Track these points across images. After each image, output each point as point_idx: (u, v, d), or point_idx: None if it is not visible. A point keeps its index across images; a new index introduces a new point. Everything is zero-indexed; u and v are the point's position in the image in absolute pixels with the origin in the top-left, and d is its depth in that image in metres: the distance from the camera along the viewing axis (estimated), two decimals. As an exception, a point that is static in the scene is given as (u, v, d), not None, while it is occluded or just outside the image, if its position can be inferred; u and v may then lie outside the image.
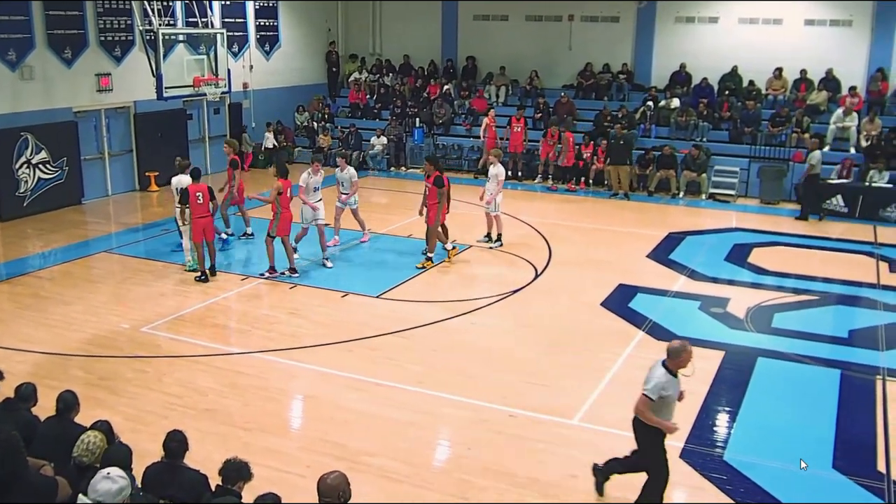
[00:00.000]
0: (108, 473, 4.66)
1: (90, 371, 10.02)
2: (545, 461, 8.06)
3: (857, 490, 7.59)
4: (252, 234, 15.85)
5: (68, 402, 6.38)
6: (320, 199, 14.14)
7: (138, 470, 5.86)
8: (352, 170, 15.23)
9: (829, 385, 9.85)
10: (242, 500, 5.52)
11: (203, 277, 13.37)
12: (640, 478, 7.00)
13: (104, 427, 5.96)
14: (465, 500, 7.37)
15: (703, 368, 10.15)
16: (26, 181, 17.53)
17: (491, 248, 15.37)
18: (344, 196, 15.11)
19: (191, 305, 12.41)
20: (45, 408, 6.59)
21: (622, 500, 7.37)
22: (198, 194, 13.05)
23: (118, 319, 11.78)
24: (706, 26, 23.07)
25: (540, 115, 23.26)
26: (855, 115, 20.22)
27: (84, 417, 6.42)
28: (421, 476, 7.81)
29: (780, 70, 22.06)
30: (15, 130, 17.22)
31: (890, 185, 18.35)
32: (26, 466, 5.05)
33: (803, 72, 21.83)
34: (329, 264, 14.06)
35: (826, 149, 20.08)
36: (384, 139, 23.40)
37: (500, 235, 15.55)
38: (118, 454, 5.39)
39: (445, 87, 25.02)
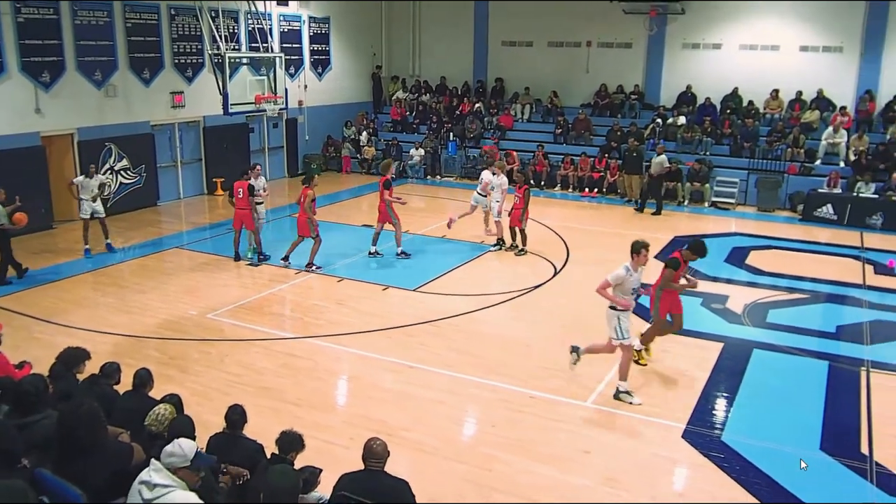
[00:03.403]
0: (179, 444, 4.72)
1: (163, 352, 10.15)
2: (562, 438, 8.03)
3: (842, 470, 7.47)
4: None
5: (143, 378, 6.48)
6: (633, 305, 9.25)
7: (203, 439, 5.92)
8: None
9: (818, 375, 9.71)
10: (295, 468, 5.56)
11: (237, 259, 14.15)
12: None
13: (174, 400, 6.02)
14: (489, 471, 7.37)
15: (704, 358, 10.11)
16: (110, 185, 17.79)
17: (505, 250, 15.15)
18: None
19: (251, 295, 12.52)
20: (123, 383, 6.70)
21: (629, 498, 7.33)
22: (239, 189, 13.65)
23: (187, 307, 11.92)
24: (710, 52, 22.83)
25: (560, 130, 23.19)
26: (844, 132, 19.98)
27: (156, 392, 6.49)
28: (450, 449, 7.81)
29: (776, 91, 21.81)
30: (100, 141, 17.50)
31: (875, 196, 18.06)
32: (106, 434, 5.12)
33: (798, 93, 21.58)
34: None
35: (818, 162, 19.92)
36: (422, 151, 23.45)
37: (500, 240, 15.29)
38: (182, 424, 5.45)
39: (476, 105, 25.01)
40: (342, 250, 14.77)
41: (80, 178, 14.59)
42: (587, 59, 24.53)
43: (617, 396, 8.89)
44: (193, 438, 5.44)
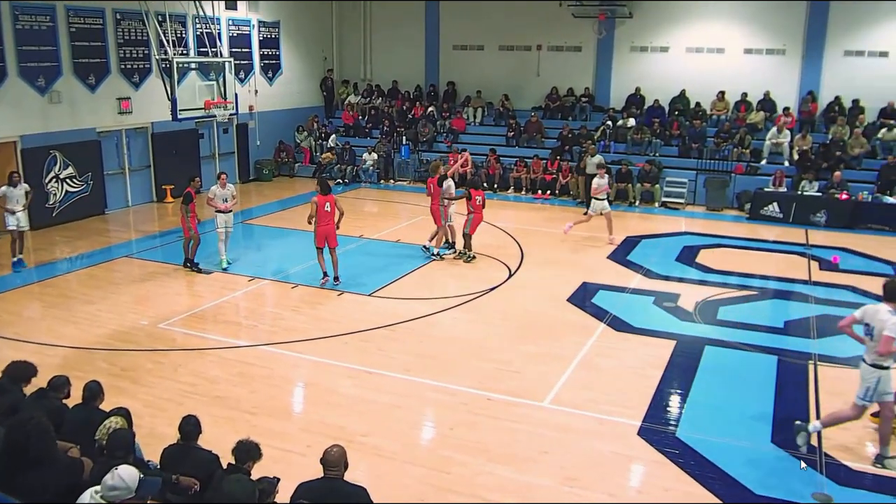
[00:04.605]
0: (119, 476, 4.49)
1: (113, 363, 9.93)
2: (519, 439, 8.06)
3: (793, 462, 7.65)
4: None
5: (93, 391, 6.34)
6: None
7: (157, 451, 5.82)
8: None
9: (768, 370, 9.92)
10: (252, 478, 5.49)
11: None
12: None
13: (122, 412, 5.91)
14: (447, 474, 7.37)
15: (657, 356, 10.24)
16: (55, 194, 17.38)
17: (450, 256, 15.00)
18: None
19: (203, 304, 12.33)
20: (73, 396, 6.53)
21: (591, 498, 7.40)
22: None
23: (138, 317, 11.69)
24: (658, 54, 23.21)
25: (512, 133, 23.35)
26: (788, 132, 20.48)
27: (108, 405, 6.35)
28: (408, 453, 7.80)
29: (722, 93, 22.27)
30: (44, 149, 17.06)
31: (819, 194, 18.52)
32: (56, 448, 5.00)
33: (743, 94, 22.06)
34: None
35: (763, 162, 20.39)
36: (375, 155, 23.38)
37: (453, 243, 15.26)
38: (119, 439, 5.31)
39: (429, 108, 25.04)
40: (296, 257, 14.64)
41: (4, 188, 13.79)
42: (538, 62, 24.74)
43: (881, 463, 7.55)
44: (133, 453, 5.30)
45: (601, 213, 16.27)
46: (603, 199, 16.23)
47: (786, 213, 18.48)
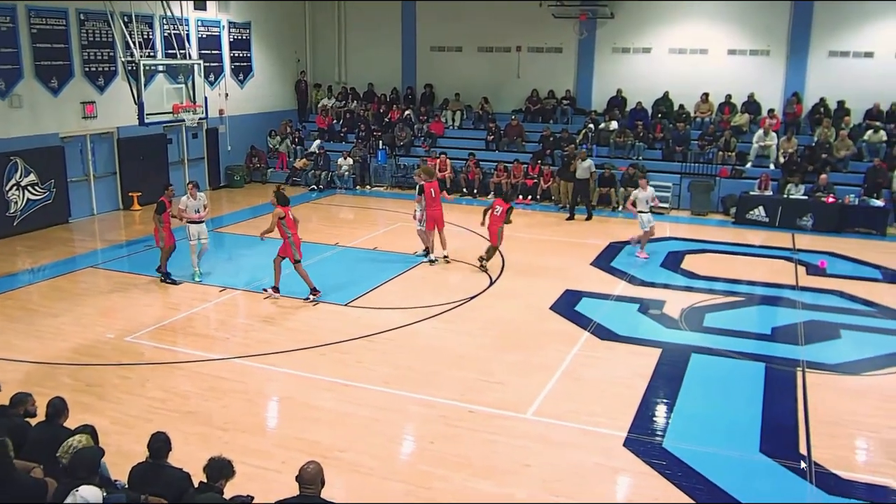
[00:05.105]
0: (81, 496, 4.42)
1: (78, 378, 9.80)
2: (501, 452, 8.05)
3: (782, 471, 7.70)
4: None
5: (57, 408, 6.25)
6: None
7: (125, 469, 5.75)
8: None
9: (756, 377, 9.99)
10: (224, 497, 5.43)
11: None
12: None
13: (88, 430, 5.84)
14: (428, 489, 7.35)
15: (642, 364, 10.28)
16: (16, 202, 17.17)
17: (431, 261, 15.06)
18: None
19: (172, 315, 12.22)
20: (38, 414, 6.45)
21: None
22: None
23: (104, 330, 11.56)
24: (640, 56, 23.41)
25: (492, 137, 23.40)
26: (773, 134, 20.70)
27: (73, 422, 6.28)
28: (387, 468, 7.76)
29: (706, 95, 22.49)
30: (4, 155, 16.87)
31: (805, 197, 18.74)
32: (14, 469, 4.91)
33: (727, 96, 22.31)
34: None
35: (749, 165, 20.58)
36: (350, 160, 23.34)
37: (427, 249, 15.24)
38: (83, 458, 5.21)
39: (406, 112, 25.05)
40: (269, 266, 14.53)
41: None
42: (518, 64, 24.86)
43: None
44: (97, 472, 5.23)
45: (649, 226, 15.73)
46: (648, 212, 15.69)
47: (772, 217, 18.65)
